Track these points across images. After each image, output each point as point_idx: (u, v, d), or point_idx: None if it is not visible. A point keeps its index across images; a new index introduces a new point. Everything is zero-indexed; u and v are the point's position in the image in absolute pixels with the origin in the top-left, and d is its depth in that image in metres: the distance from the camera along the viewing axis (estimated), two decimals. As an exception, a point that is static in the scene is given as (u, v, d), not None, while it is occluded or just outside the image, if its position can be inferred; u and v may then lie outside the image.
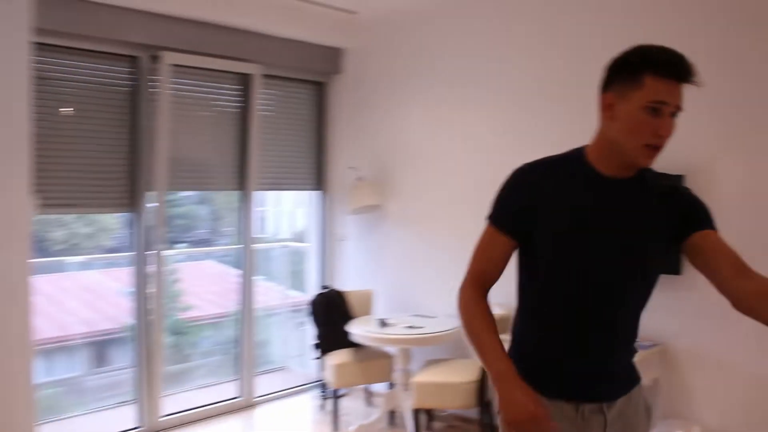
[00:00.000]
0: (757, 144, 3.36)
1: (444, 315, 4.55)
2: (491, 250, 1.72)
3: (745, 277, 1.59)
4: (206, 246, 6.59)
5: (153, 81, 4.32)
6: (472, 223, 4.56)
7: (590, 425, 1.68)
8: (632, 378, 1.78)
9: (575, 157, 1.70)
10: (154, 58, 4.30)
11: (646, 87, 1.52)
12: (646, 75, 1.52)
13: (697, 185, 1.78)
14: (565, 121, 3.94)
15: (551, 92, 4.14)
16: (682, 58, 1.52)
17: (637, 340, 1.77)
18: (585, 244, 1.64)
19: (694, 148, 3.34)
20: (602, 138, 1.66)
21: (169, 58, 4.32)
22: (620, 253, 1.64)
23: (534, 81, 4.24)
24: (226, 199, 5.59)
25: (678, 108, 1.55)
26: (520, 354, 1.73)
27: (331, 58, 5.40)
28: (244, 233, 4.97)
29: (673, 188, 1.73)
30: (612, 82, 1.61)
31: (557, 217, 1.64)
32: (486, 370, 1.64)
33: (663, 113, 1.53)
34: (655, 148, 1.57)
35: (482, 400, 3.99)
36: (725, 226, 1.74)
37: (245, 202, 4.95)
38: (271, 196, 6.47)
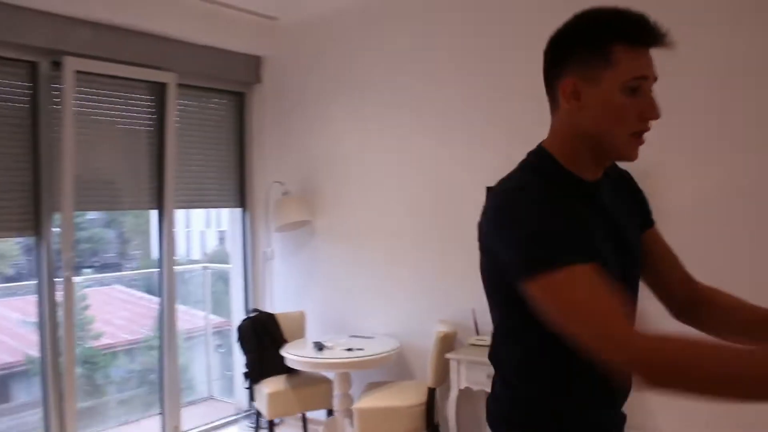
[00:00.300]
0: (704, 147, 3.30)
1: (382, 334, 4.33)
2: (598, 284, 1.18)
3: (689, 286, 1.51)
4: (113, 270, 6.23)
5: (55, 90, 3.90)
6: (405, 236, 4.45)
7: None
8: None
9: (549, 164, 1.36)
10: (56, 65, 3.88)
11: (619, 63, 1.22)
12: (615, 47, 1.22)
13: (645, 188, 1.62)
14: (500, 127, 3.83)
15: (485, 100, 3.99)
16: (647, 18, 1.23)
17: None
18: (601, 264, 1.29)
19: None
20: (570, 134, 1.33)
21: (73, 64, 3.91)
22: (628, 265, 1.40)
23: (466, 89, 4.07)
24: (136, 220, 5.23)
25: (655, 79, 1.27)
26: (527, 400, 1.39)
27: (250, 67, 5.10)
28: (165, 254, 4.56)
29: (620, 174, 1.53)
30: (568, 63, 1.28)
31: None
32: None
33: (643, 90, 1.25)
34: (641, 135, 1.29)
35: (431, 423, 3.77)
36: (674, 231, 1.65)
37: (163, 221, 4.55)
38: (180, 216, 6.12)
